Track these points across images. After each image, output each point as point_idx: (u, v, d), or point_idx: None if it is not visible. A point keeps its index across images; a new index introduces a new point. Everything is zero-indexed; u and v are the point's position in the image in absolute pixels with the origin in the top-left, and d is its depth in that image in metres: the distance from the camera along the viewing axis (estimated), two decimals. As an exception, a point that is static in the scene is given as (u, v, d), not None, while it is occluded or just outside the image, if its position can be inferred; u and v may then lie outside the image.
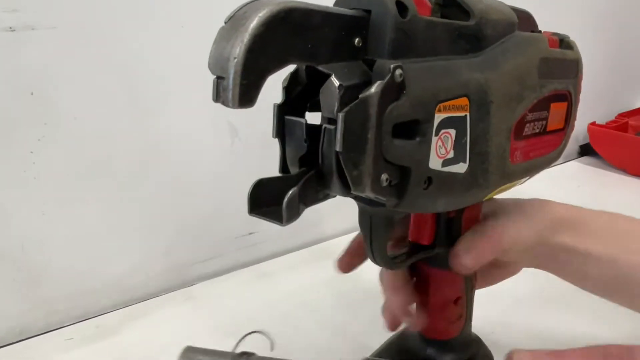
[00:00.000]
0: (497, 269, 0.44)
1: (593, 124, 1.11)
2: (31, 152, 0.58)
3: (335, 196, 0.27)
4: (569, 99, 0.39)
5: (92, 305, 0.65)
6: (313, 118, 0.27)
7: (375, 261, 0.32)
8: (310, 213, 0.84)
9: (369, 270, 0.41)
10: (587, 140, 1.15)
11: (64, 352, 0.58)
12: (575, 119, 0.42)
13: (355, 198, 0.29)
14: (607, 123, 1.14)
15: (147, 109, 0.64)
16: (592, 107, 1.19)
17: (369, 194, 0.24)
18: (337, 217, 0.80)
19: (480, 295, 0.47)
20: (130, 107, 0.63)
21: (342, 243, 0.82)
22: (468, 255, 0.36)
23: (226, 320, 0.63)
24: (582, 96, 1.31)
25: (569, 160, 1.19)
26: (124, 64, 0.61)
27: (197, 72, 0.64)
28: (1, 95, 0.55)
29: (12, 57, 0.55)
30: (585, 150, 1.18)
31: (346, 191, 0.25)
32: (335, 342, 0.58)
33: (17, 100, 0.56)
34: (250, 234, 0.76)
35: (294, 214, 0.24)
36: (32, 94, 0.56)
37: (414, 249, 0.36)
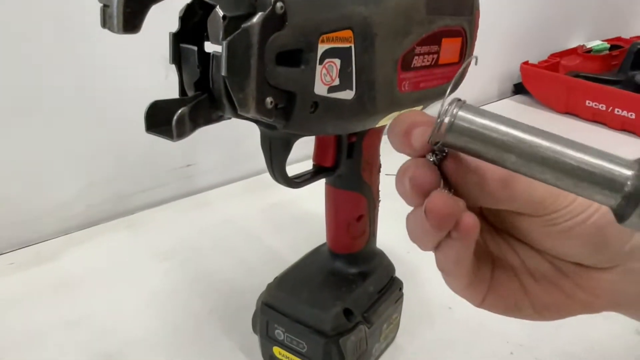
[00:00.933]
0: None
1: (526, 63, 1.16)
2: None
3: (229, 118, 0.30)
4: (463, 35, 0.42)
5: (32, 233, 0.67)
6: (212, 47, 0.29)
7: (276, 180, 0.36)
8: (246, 147, 0.87)
9: (301, 198, 0.44)
10: (520, 80, 1.20)
11: (6, 275, 0.61)
12: (471, 54, 0.45)
13: (257, 123, 0.32)
14: (539, 62, 1.19)
15: (79, 37, 0.64)
16: (526, 47, 1.23)
17: (254, 115, 0.27)
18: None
19: (398, 222, 0.50)
20: (61, 38, 0.63)
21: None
22: None
23: (165, 246, 0.66)
24: (516, 35, 1.35)
25: (503, 99, 1.24)
26: None
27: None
28: None
29: None
30: (519, 89, 1.23)
31: (235, 112, 0.28)
32: (263, 262, 0.62)
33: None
34: (189, 165, 0.78)
35: (183, 131, 0.27)
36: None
37: (317, 171, 0.40)
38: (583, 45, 1.25)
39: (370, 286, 0.45)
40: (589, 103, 1.05)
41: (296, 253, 0.47)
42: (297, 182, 0.37)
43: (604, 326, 0.50)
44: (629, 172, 0.21)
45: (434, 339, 0.50)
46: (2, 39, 0.59)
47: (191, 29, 0.29)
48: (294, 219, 0.71)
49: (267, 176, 0.85)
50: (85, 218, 0.71)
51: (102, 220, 0.72)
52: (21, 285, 0.59)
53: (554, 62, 1.19)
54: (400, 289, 0.48)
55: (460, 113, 0.22)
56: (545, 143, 0.22)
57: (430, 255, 0.58)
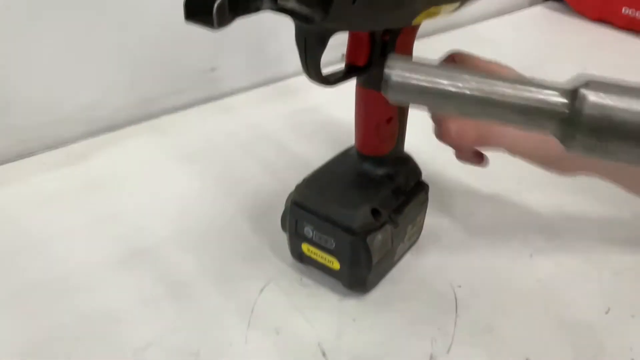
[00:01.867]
0: None
1: None
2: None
3: (266, 8, 0.29)
4: None
5: (61, 135, 0.68)
6: None
7: (310, 76, 0.36)
8: (272, 50, 0.86)
9: (327, 104, 0.44)
10: (553, -15, 1.14)
11: (38, 175, 0.62)
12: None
13: (293, 15, 0.31)
14: None
15: None
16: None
17: (294, 5, 0.27)
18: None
19: (424, 130, 0.50)
20: None
21: (303, 81, 0.86)
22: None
23: (191, 150, 0.67)
24: None
25: (535, 5, 1.19)
26: None
27: None
28: None
29: None
30: (551, -4, 1.18)
31: (274, 2, 0.27)
32: (287, 166, 0.63)
33: None
34: (213, 69, 0.78)
35: (223, 19, 0.26)
36: None
37: (350, 70, 0.39)
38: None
39: (397, 188, 0.45)
40: (625, 10, 1.01)
41: (322, 158, 0.47)
42: (330, 79, 0.37)
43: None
44: (564, 100, 0.21)
45: (456, 241, 0.52)
46: None
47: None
48: (320, 125, 0.71)
49: (292, 81, 0.86)
50: (111, 121, 0.72)
51: (128, 124, 0.72)
52: (52, 185, 0.60)
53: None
54: (426, 192, 0.48)
55: (394, 71, 0.24)
56: (480, 86, 0.23)
57: (455, 164, 0.59)
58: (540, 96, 0.22)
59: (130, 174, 0.62)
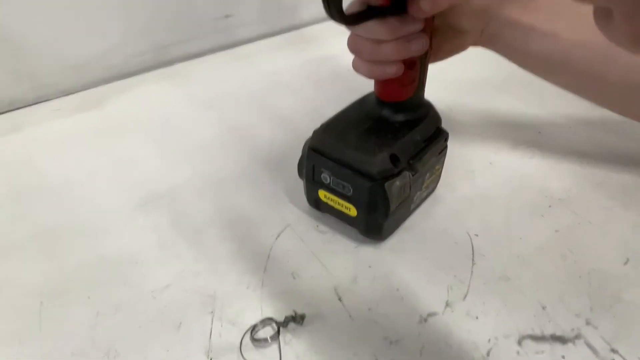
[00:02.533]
0: (446, 42, 0.46)
1: None
2: None
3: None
4: None
5: (75, 81, 0.68)
6: None
7: (330, 14, 0.34)
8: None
9: (342, 54, 0.43)
10: None
11: (53, 120, 0.63)
12: None
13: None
14: None
15: None
16: None
17: None
18: (313, 4, 0.80)
19: (441, 80, 0.51)
20: None
21: (319, 29, 0.84)
22: None
23: (206, 97, 0.66)
24: None
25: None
26: None
27: None
28: None
29: None
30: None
31: None
32: (303, 115, 0.62)
33: None
34: (227, 16, 0.76)
35: None
36: None
37: (371, 9, 0.38)
38: None
39: (416, 134, 0.44)
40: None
41: (338, 107, 0.47)
42: (352, 18, 0.35)
43: None
44: None
45: (474, 191, 0.51)
46: None
47: None
48: (336, 74, 0.70)
49: (307, 30, 0.84)
50: (126, 67, 0.71)
51: (142, 71, 0.72)
52: (68, 130, 0.61)
53: None
54: (446, 139, 0.47)
55: None
56: None
57: (475, 111, 0.57)
58: None
59: (145, 120, 0.62)
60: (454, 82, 0.63)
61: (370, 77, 0.43)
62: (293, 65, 0.72)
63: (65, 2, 0.63)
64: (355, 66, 0.44)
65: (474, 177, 0.53)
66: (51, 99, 0.67)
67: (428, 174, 0.47)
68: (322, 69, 0.71)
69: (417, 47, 0.41)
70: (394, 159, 0.42)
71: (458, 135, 0.56)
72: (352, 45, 0.43)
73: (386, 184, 0.41)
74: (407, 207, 0.46)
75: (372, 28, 0.39)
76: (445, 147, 0.48)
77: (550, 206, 0.49)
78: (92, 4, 0.65)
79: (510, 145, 0.56)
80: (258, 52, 0.76)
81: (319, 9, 0.85)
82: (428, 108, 0.47)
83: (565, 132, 0.58)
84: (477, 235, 0.46)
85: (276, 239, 0.46)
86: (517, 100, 0.63)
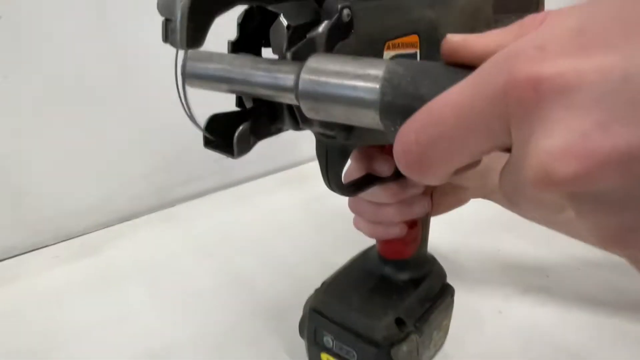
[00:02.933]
0: (448, 197, 0.46)
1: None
2: (5, 77, 0.58)
3: (287, 129, 0.28)
4: None
5: (75, 226, 0.68)
6: (268, 53, 0.28)
7: (331, 188, 0.34)
8: (286, 137, 0.86)
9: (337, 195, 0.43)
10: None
11: (51, 268, 0.62)
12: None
13: (300, 130, 0.30)
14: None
15: (121, 35, 0.64)
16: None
17: (317, 129, 0.26)
18: (311, 141, 0.82)
19: (445, 222, 0.50)
20: (104, 32, 0.62)
21: (317, 167, 0.85)
22: None
23: (205, 242, 0.66)
24: None
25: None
26: None
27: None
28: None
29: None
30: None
31: (296, 126, 0.26)
32: (304, 262, 0.61)
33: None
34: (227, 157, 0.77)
35: (244, 148, 0.25)
36: (0, 17, 0.56)
37: (370, 179, 0.38)
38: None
39: (422, 294, 0.43)
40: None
41: (338, 251, 0.46)
42: (352, 190, 0.35)
43: None
44: (376, 85, 0.21)
45: (484, 347, 0.48)
46: (45, 28, 0.58)
47: (249, 35, 0.27)
48: (334, 214, 0.69)
49: (305, 167, 0.85)
50: (127, 210, 0.71)
51: (143, 213, 0.72)
52: (65, 279, 0.60)
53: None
54: (452, 295, 0.46)
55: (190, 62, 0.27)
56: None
57: (480, 255, 0.56)
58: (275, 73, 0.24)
59: (144, 267, 0.61)
60: (459, 221, 0.63)
61: (372, 237, 0.43)
62: (292, 205, 0.73)
63: (70, 148, 0.65)
64: (357, 225, 0.43)
65: (483, 328, 0.51)
66: (50, 245, 0.66)
67: (436, 332, 0.45)
68: (322, 208, 0.71)
69: (419, 210, 0.41)
70: (399, 322, 0.40)
71: (464, 281, 0.55)
72: (353, 206, 0.43)
73: (392, 350, 0.39)
74: (416, 370, 0.43)
75: (373, 192, 0.39)
76: (452, 302, 0.46)
77: (566, 364, 0.46)
78: (96, 150, 0.67)
79: (520, 291, 0.54)
80: (257, 192, 0.77)
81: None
82: (432, 263, 0.46)
83: (575, 275, 0.57)
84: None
85: (276, 404, 0.43)
86: (523, 240, 0.63)
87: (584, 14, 0.16)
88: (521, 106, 0.16)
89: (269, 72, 0.24)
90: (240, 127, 0.24)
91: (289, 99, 0.24)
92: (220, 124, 0.26)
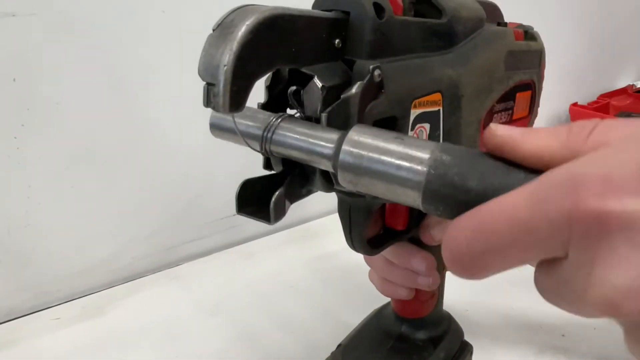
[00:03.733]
0: None
1: (575, 104, 1.13)
2: (15, 138, 0.58)
3: (317, 191, 0.28)
4: (533, 88, 0.41)
5: (78, 287, 0.66)
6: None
7: (354, 248, 0.34)
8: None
9: (346, 251, 0.42)
10: (569, 121, 1.18)
11: (51, 331, 0.60)
12: (538, 106, 0.43)
13: (336, 191, 0.30)
14: (588, 104, 1.16)
15: (129, 95, 0.65)
16: (575, 88, 1.22)
17: (351, 189, 0.26)
18: (319, 199, 0.82)
19: (454, 279, 0.49)
20: (113, 93, 0.63)
21: (324, 224, 0.85)
22: (437, 227, 0.37)
23: (212, 301, 0.64)
24: (564, 77, 1.34)
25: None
26: (106, 50, 0.61)
27: (179, 59, 0.65)
28: (-17, 81, 0.55)
29: (-8, 44, 0.54)
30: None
31: (329, 187, 0.26)
32: (314, 320, 0.60)
33: (-1, 87, 0.56)
34: (234, 215, 0.77)
35: (280, 213, 0.25)
36: (14, 80, 0.56)
37: (390, 235, 0.37)
38: (633, 85, 1.22)
39: (441, 353, 0.42)
40: None
41: (349, 308, 0.44)
42: (375, 248, 0.35)
43: None
44: (423, 168, 0.21)
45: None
46: (57, 93, 0.59)
47: (276, 96, 0.28)
48: (344, 271, 0.69)
49: (311, 225, 0.85)
50: (131, 270, 0.70)
51: (147, 272, 0.71)
52: (66, 342, 0.58)
53: (603, 103, 1.16)
54: (471, 353, 0.45)
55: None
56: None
57: (493, 313, 0.55)
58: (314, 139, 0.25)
59: (148, 330, 0.59)
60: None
61: (383, 294, 0.42)
62: (299, 263, 0.72)
63: (72, 210, 0.64)
64: (371, 278, 0.43)
65: None
66: (52, 306, 0.64)
67: (455, 392, 0.43)
68: (329, 265, 0.71)
69: (424, 283, 0.40)
70: (422, 386, 0.39)
71: (478, 340, 0.53)
72: (368, 259, 0.42)
73: (415, 416, 0.37)
74: None
75: (387, 250, 0.38)
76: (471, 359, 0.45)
77: None
78: (101, 210, 0.66)
79: (535, 352, 0.53)
80: (264, 249, 0.76)
81: (323, 205, 0.86)
82: (449, 321, 0.45)
83: (592, 334, 0.56)
84: None
85: None
86: (535, 296, 0.61)
87: None
88: (586, 236, 0.17)
89: (307, 137, 0.24)
90: (277, 193, 0.24)
91: (324, 165, 0.24)
92: (253, 189, 0.26)
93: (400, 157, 0.22)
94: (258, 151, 0.27)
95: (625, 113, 1.12)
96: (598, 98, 1.19)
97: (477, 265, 0.20)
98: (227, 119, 0.27)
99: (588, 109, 1.13)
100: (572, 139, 0.19)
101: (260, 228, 0.80)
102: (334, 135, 0.24)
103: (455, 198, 0.21)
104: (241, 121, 0.26)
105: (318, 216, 0.85)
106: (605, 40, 1.30)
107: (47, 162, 0.61)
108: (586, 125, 0.19)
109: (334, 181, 0.25)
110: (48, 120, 0.60)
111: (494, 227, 0.19)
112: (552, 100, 1.20)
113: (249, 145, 0.26)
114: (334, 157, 0.24)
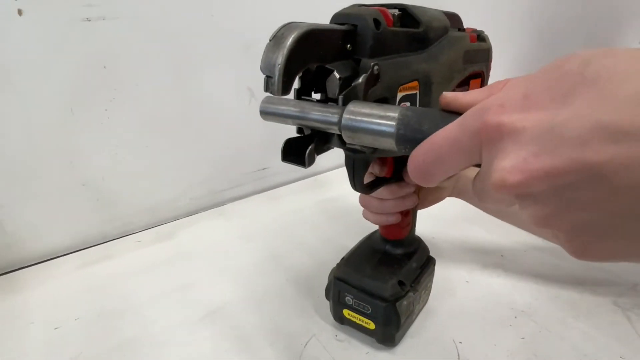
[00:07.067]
0: (429, 195, 0.50)
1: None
2: (105, 110, 0.61)
3: (334, 147, 0.32)
4: (482, 76, 0.44)
5: (152, 219, 0.70)
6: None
7: (356, 189, 0.38)
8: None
9: (349, 195, 0.45)
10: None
11: (135, 250, 0.64)
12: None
13: (346, 149, 0.34)
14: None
15: (188, 78, 0.67)
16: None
17: (356, 146, 0.30)
18: (327, 157, 0.85)
19: (426, 217, 0.53)
20: (176, 76, 0.66)
21: (330, 176, 0.88)
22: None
23: (248, 231, 0.68)
24: (515, 68, 1.30)
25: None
26: (171, 45, 0.64)
27: (225, 49, 0.67)
28: (83, 68, 0.58)
29: (89, 41, 0.57)
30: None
31: (343, 144, 0.30)
32: (324, 244, 0.64)
33: (94, 72, 0.59)
34: (264, 169, 0.81)
35: (311, 161, 0.29)
36: (104, 67, 0.59)
37: (379, 181, 0.42)
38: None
39: (414, 263, 0.46)
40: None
41: (347, 237, 0.46)
42: (369, 188, 0.39)
43: (589, 296, 0.51)
44: (393, 122, 0.24)
45: (456, 306, 0.51)
46: (136, 78, 0.62)
47: (306, 84, 0.31)
48: (344, 210, 0.73)
49: (321, 177, 0.88)
50: (189, 208, 0.74)
51: (202, 210, 0.75)
52: (146, 258, 0.62)
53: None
54: (434, 264, 0.49)
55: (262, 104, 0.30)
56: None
57: (452, 240, 0.58)
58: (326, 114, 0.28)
59: (204, 250, 0.64)
60: (437, 217, 0.65)
61: (376, 224, 0.46)
62: (312, 204, 0.75)
63: (148, 163, 0.67)
64: (365, 216, 0.47)
65: (455, 293, 0.53)
66: (135, 232, 0.69)
67: (424, 291, 0.48)
68: (334, 207, 0.75)
69: (410, 203, 0.44)
70: (401, 284, 0.43)
71: (440, 259, 0.58)
72: (363, 202, 0.46)
73: (397, 304, 0.42)
74: (411, 319, 0.47)
75: (379, 191, 0.42)
76: (434, 269, 0.50)
77: (515, 317, 0.49)
78: (167, 163, 0.69)
79: (481, 267, 0.58)
80: (286, 195, 0.80)
81: (331, 160, 0.89)
82: (419, 242, 0.49)
83: (523, 255, 0.60)
84: (461, 342, 0.46)
85: (304, 346, 0.45)
86: (484, 230, 0.66)
87: (529, 84, 0.20)
88: (489, 140, 0.20)
89: (322, 112, 0.28)
90: (310, 147, 0.28)
91: (334, 129, 0.28)
92: (292, 145, 0.30)
93: (379, 117, 0.25)
94: (292, 124, 0.30)
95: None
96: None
97: (429, 172, 0.23)
98: (271, 106, 0.30)
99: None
100: (492, 92, 0.22)
101: (282, 179, 0.83)
102: (339, 110, 0.27)
103: (415, 138, 0.23)
104: (278, 107, 0.30)
105: (326, 170, 0.88)
106: (550, 37, 1.30)
107: (128, 128, 0.64)
108: (501, 82, 0.23)
109: (344, 139, 0.29)
110: (129, 97, 0.62)
111: (439, 145, 0.22)
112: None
113: (286, 123, 0.30)
114: (339, 122, 0.27)
